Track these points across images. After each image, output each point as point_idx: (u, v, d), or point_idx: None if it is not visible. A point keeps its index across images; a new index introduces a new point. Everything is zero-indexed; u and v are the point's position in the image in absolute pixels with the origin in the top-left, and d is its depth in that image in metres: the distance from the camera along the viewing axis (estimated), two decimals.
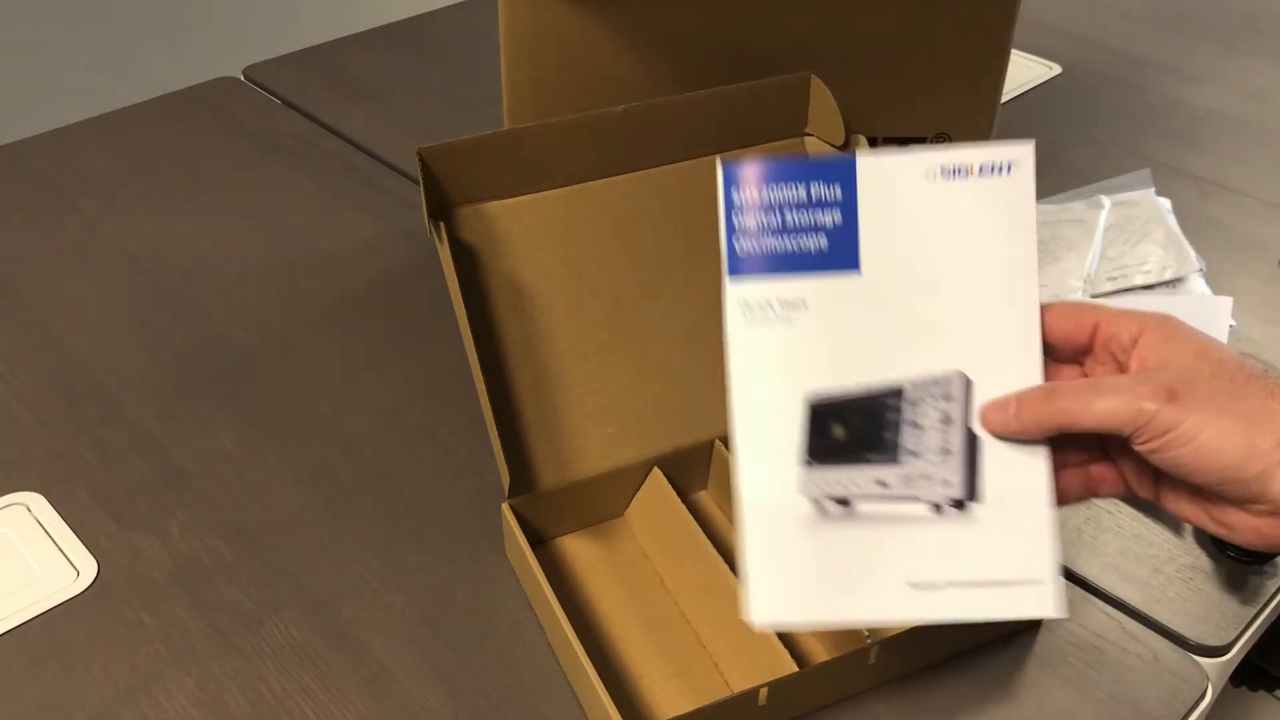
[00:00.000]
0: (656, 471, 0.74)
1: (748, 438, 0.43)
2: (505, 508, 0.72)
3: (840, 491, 0.42)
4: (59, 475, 0.80)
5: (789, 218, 0.47)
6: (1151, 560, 0.75)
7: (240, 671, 0.68)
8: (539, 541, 0.74)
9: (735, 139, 0.81)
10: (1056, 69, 1.34)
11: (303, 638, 0.70)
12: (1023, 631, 0.70)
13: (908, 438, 0.42)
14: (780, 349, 0.44)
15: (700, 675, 0.67)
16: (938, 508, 0.43)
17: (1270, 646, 0.85)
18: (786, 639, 0.64)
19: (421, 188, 0.72)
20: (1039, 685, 0.68)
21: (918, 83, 0.82)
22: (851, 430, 0.43)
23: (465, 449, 0.82)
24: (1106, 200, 1.04)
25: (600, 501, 0.75)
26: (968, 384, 0.43)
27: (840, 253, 0.45)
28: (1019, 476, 0.44)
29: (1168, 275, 0.94)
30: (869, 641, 0.64)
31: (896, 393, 0.43)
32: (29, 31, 1.74)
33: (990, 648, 0.69)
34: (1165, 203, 1.04)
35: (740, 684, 0.65)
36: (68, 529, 0.76)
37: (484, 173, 0.74)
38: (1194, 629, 0.71)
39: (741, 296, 0.47)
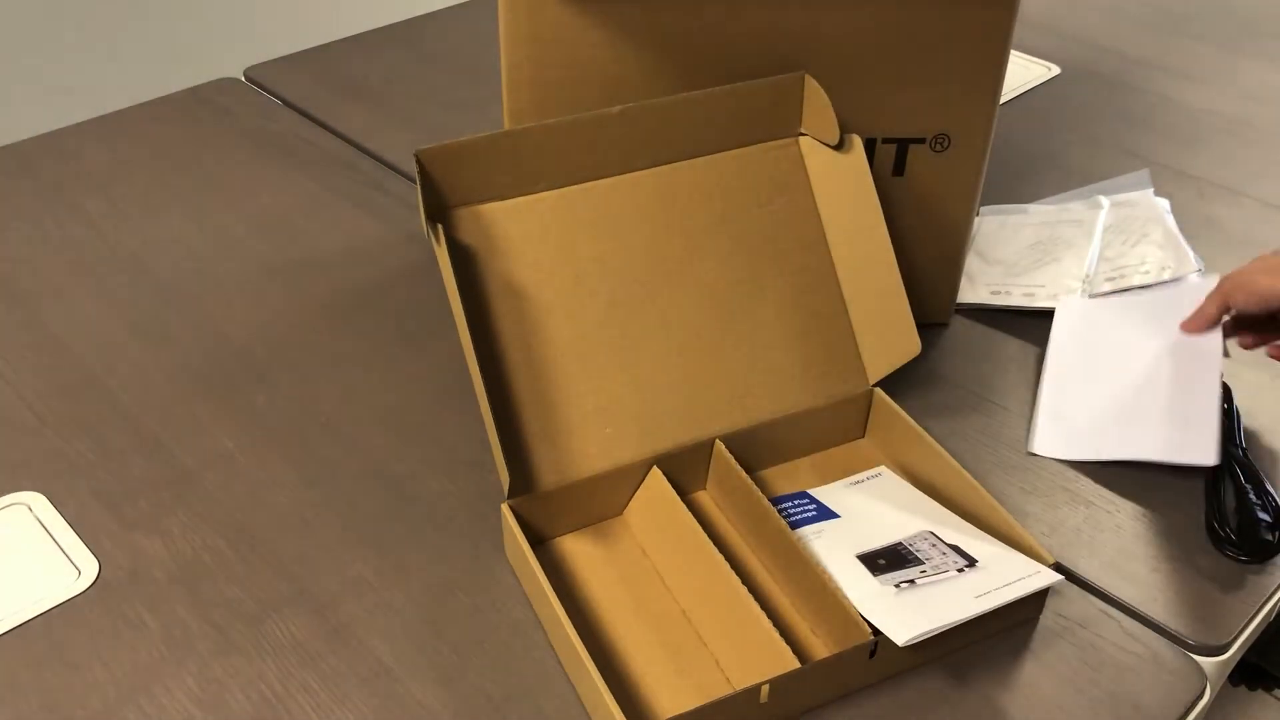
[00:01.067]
0: (656, 470, 0.75)
1: (844, 580, 0.69)
2: (505, 508, 0.72)
3: (903, 579, 0.68)
4: (60, 475, 0.80)
5: (797, 514, 0.76)
6: (1150, 560, 0.75)
7: (241, 670, 0.68)
8: (539, 541, 0.75)
9: (731, 139, 0.81)
10: (1056, 70, 1.34)
11: (303, 637, 0.70)
12: (1022, 624, 0.71)
13: (918, 554, 0.71)
14: (825, 545, 0.73)
15: (701, 673, 0.67)
16: (961, 570, 0.69)
17: (1269, 646, 0.86)
18: (787, 635, 0.65)
19: (419, 190, 0.72)
20: (1038, 684, 0.68)
21: (917, 83, 0.82)
22: (887, 559, 0.71)
23: (465, 449, 0.83)
24: (1105, 201, 1.04)
25: (599, 501, 0.76)
26: (931, 532, 0.73)
27: (825, 514, 0.76)
28: (990, 549, 0.71)
29: (1166, 276, 0.95)
30: (872, 638, 0.64)
31: (897, 544, 0.72)
32: (29, 31, 1.74)
33: (990, 647, 0.70)
34: (1164, 203, 1.04)
35: (742, 681, 0.66)
36: (69, 529, 0.76)
37: (481, 174, 0.75)
38: (1192, 628, 0.71)
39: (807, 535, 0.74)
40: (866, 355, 0.82)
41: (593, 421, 0.75)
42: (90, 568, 0.74)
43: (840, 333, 0.82)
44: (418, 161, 0.72)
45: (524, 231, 0.76)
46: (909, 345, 0.79)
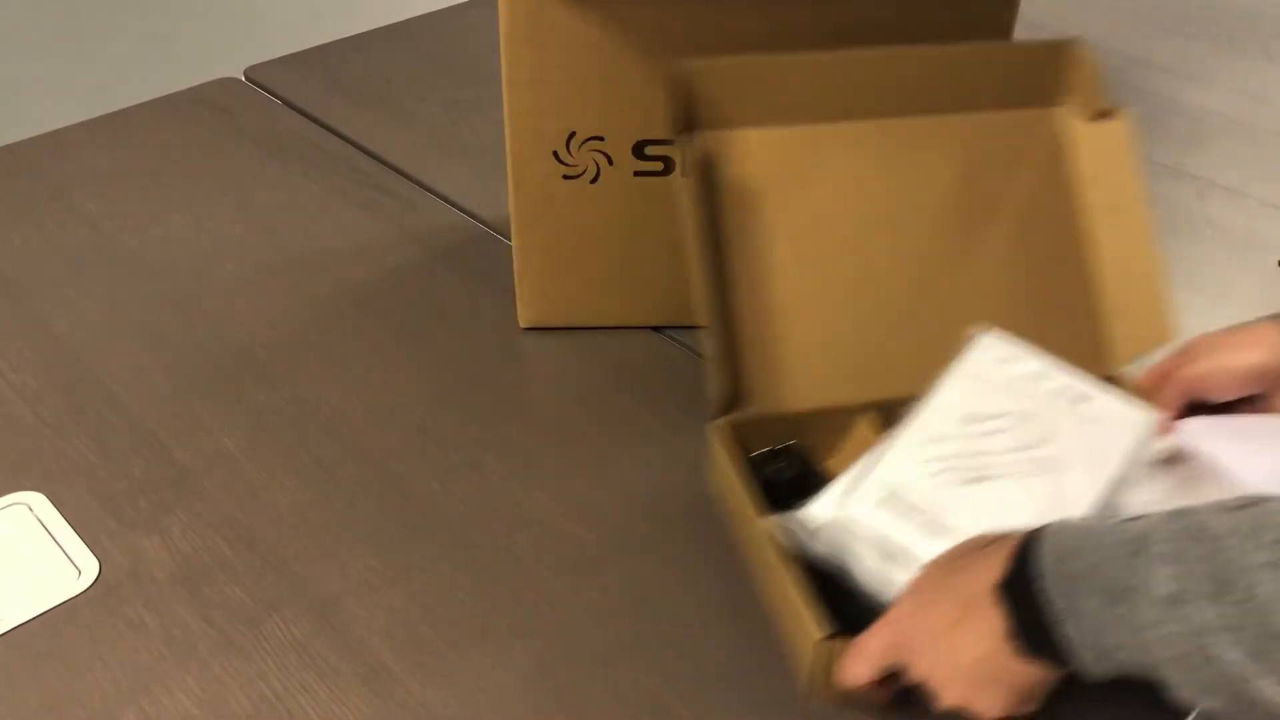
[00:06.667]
0: (866, 418, 0.74)
1: None
2: (715, 426, 0.72)
3: None
4: (61, 475, 0.80)
5: None
6: None
7: (241, 670, 0.68)
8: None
9: (988, 98, 0.79)
10: None
11: (303, 636, 0.70)
12: None
13: None
14: None
15: None
16: None
17: None
18: None
19: (668, 107, 0.72)
20: None
21: None
22: None
23: (466, 449, 0.83)
24: None
25: (806, 440, 0.75)
26: None
27: None
28: None
29: None
30: None
31: None
32: (29, 31, 1.74)
33: None
34: None
35: None
36: (69, 528, 0.76)
37: (731, 98, 0.74)
38: None
39: None
40: (1116, 339, 0.79)
41: (810, 357, 0.74)
42: (90, 568, 0.74)
43: (1079, 313, 0.79)
44: (669, 80, 0.71)
45: (769, 161, 0.76)
46: (1162, 332, 0.76)
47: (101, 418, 0.85)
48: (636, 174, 0.85)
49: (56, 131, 1.20)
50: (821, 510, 0.66)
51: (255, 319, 0.95)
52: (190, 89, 1.29)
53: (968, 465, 0.65)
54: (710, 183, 0.74)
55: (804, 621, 0.61)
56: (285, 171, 1.14)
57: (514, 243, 0.90)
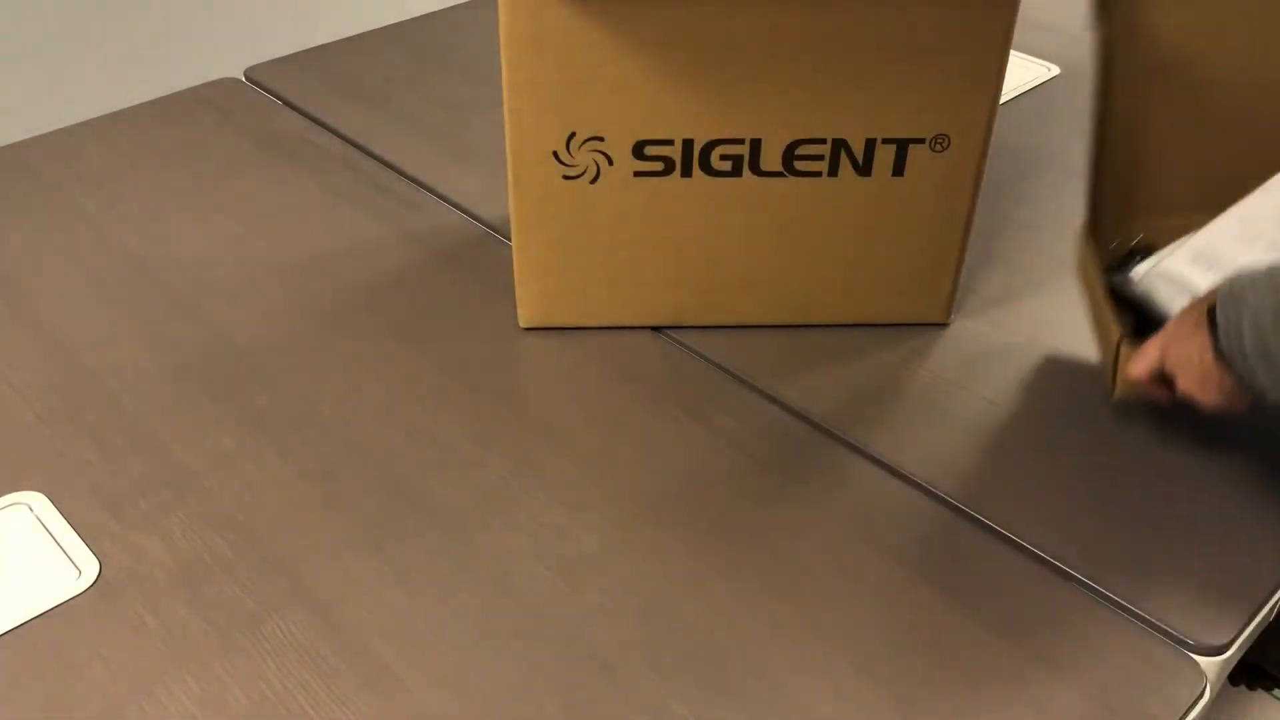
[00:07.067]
0: None
1: None
2: (1083, 239, 0.87)
3: None
4: (61, 475, 0.80)
5: None
6: (1150, 559, 0.75)
7: (241, 670, 0.68)
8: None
9: None
10: (1055, 70, 1.34)
11: (304, 637, 0.70)
12: (1022, 625, 0.71)
13: None
14: None
15: None
16: None
17: (1268, 645, 0.85)
18: None
19: None
20: (1036, 683, 0.68)
21: (917, 83, 0.82)
22: None
23: (465, 449, 0.83)
24: None
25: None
26: None
27: None
28: None
29: None
30: None
31: None
32: (29, 31, 1.74)
33: (986, 645, 0.70)
34: None
35: None
36: (69, 528, 0.76)
37: None
38: (1192, 628, 0.71)
39: None
40: None
41: (1181, 198, 0.83)
42: (90, 568, 0.74)
43: None
44: None
45: (1180, 18, 0.82)
46: None
47: (102, 417, 0.85)
48: (636, 174, 0.85)
49: (56, 131, 1.20)
50: (1145, 267, 0.82)
51: (256, 318, 0.95)
52: (190, 89, 1.29)
53: (1274, 238, 0.77)
54: (1119, 44, 0.82)
55: (1109, 329, 0.79)
56: (285, 171, 1.14)
57: (514, 243, 0.90)
